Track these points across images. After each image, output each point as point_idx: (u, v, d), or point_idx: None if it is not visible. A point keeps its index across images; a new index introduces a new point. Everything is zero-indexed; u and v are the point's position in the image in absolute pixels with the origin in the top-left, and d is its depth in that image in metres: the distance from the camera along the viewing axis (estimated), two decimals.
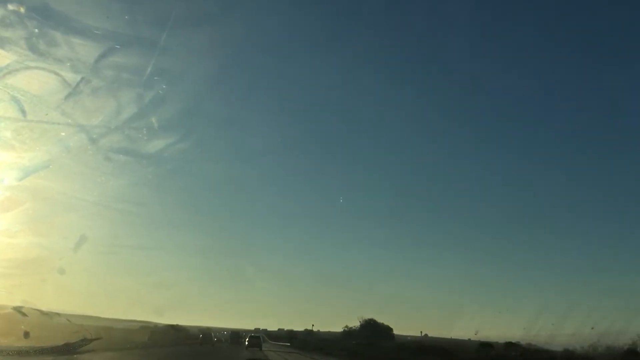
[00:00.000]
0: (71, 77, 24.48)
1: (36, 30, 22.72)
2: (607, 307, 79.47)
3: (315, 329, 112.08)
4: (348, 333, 73.29)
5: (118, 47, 28.35)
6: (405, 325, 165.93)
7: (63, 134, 24.72)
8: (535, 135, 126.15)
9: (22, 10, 21.08)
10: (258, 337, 58.41)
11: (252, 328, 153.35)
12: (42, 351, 22.63)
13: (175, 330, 77.17)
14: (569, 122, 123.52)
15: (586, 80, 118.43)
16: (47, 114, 22.99)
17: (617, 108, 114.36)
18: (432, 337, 79.92)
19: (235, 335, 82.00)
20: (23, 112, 21.09)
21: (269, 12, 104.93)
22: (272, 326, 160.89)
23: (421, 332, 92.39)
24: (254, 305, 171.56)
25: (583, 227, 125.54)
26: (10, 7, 20.17)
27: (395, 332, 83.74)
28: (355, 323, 73.54)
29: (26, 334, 23.26)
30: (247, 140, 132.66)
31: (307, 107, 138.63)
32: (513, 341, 42.06)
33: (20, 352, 21.24)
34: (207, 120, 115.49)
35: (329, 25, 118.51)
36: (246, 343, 56.61)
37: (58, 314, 27.75)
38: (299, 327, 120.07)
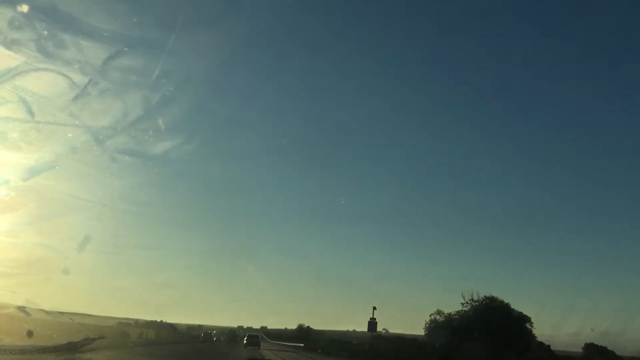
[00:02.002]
0: (79, 78, 24.69)
1: (45, 32, 22.92)
2: (607, 308, 79.55)
3: (315, 327, 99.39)
4: (444, 323, 41.90)
5: (126, 49, 28.62)
6: (404, 324, 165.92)
7: (70, 135, 24.90)
8: (535, 135, 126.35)
9: (31, 12, 21.20)
10: (257, 336, 58.81)
11: (236, 326, 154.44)
12: (45, 350, 22.72)
13: (171, 328, 76.86)
14: (570, 121, 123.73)
15: (591, 78, 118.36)
16: (54, 115, 23.21)
17: (618, 107, 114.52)
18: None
19: (232, 334, 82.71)
20: (31, 113, 21.27)
21: (274, 15, 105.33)
22: (260, 325, 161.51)
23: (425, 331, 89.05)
24: (251, 305, 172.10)
25: (583, 227, 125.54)
26: (20, 9, 20.27)
27: (395, 331, 78.74)
28: (452, 307, 42.92)
29: (29, 333, 23.36)
30: (252, 142, 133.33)
31: (311, 108, 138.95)
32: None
33: (23, 351, 21.35)
34: (213, 122, 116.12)
35: (333, 26, 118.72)
36: (244, 342, 56.89)
37: (61, 313, 27.87)
38: (294, 326, 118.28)
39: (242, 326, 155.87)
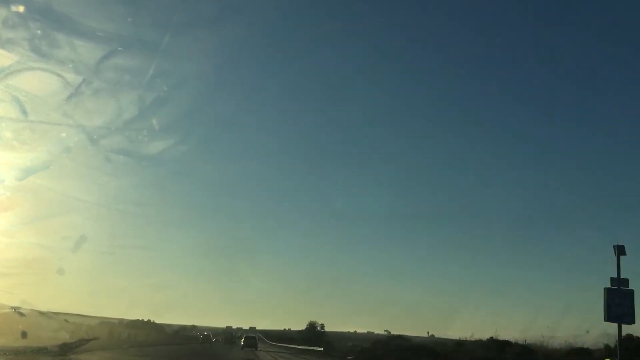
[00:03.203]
0: (73, 78, 24.61)
1: (39, 31, 22.85)
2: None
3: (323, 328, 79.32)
4: None
5: (120, 49, 28.53)
6: (404, 326, 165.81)
7: (64, 134, 24.84)
8: (533, 136, 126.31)
9: (25, 11, 21.13)
10: (254, 338, 58.36)
11: (225, 326, 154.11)
12: (39, 351, 22.62)
13: (158, 329, 72.67)
14: (569, 123, 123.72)
15: (591, 77, 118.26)
16: (48, 115, 23.17)
17: (618, 111, 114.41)
18: (445, 339, 62.11)
19: (230, 336, 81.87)
20: (24, 112, 21.19)
21: (269, 15, 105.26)
22: (249, 325, 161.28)
23: (428, 332, 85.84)
24: (240, 305, 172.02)
25: (581, 229, 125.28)
26: (14, 8, 20.20)
27: (398, 332, 75.60)
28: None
29: (24, 334, 23.26)
30: (246, 142, 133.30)
31: (307, 109, 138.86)
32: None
33: (17, 352, 21.25)
34: (207, 122, 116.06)
35: (329, 27, 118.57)
36: (242, 343, 56.65)
37: (56, 314, 27.78)
38: (294, 327, 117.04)
39: (231, 326, 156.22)
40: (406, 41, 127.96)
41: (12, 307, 24.41)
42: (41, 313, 26.91)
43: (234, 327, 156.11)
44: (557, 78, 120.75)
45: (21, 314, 24.40)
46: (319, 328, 78.34)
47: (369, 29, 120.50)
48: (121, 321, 68.40)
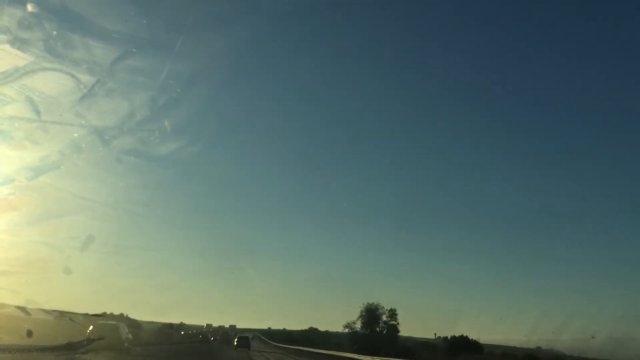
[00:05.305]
0: (87, 79, 24.67)
1: (54, 32, 22.89)
2: (607, 315, 78.93)
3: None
4: None
5: (134, 50, 28.53)
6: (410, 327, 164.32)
7: (76, 135, 24.88)
8: (538, 141, 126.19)
9: (41, 12, 21.17)
10: (247, 338, 57.80)
11: (205, 324, 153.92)
12: (45, 350, 22.66)
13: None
14: (571, 127, 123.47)
15: (589, 83, 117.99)
16: (61, 115, 23.21)
17: (619, 114, 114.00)
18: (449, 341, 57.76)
19: (225, 335, 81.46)
20: (37, 112, 21.24)
21: (281, 18, 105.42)
22: (229, 323, 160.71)
23: (435, 334, 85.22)
24: (246, 305, 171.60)
25: (585, 234, 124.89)
26: (30, 9, 20.24)
27: (403, 333, 71.36)
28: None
29: (29, 333, 23.27)
30: (256, 144, 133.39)
31: (315, 112, 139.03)
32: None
33: (22, 350, 21.30)
34: (218, 124, 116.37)
35: (338, 29, 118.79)
36: (235, 343, 55.80)
37: (61, 313, 27.76)
38: (295, 327, 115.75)
39: (211, 324, 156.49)
40: (410, 40, 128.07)
41: (18, 306, 24.45)
42: (46, 312, 26.91)
43: (215, 325, 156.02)
44: (559, 77, 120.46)
45: (27, 313, 24.41)
46: (385, 318, 46.79)
47: (376, 28, 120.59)
48: (85, 316, 63.62)
